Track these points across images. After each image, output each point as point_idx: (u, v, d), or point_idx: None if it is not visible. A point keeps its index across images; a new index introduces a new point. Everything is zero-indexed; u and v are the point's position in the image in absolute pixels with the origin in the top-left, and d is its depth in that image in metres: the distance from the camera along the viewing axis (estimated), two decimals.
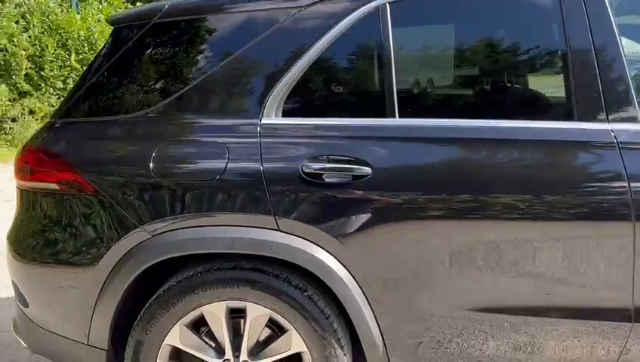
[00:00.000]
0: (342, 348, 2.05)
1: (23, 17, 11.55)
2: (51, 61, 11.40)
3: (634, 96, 1.96)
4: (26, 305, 2.30)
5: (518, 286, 1.98)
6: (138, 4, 16.26)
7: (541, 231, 1.95)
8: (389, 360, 2.08)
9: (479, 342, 2.04)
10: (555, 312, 1.99)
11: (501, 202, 1.95)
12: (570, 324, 1.99)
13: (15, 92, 11.05)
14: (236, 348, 2.09)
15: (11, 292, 2.44)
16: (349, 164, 1.98)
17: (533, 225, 1.95)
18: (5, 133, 10.84)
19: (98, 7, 13.00)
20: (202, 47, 2.25)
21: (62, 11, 12.19)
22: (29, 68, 11.18)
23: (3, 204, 5.65)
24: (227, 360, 2.09)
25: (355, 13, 2.08)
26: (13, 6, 11.61)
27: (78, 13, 12.66)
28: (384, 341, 2.05)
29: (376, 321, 2.04)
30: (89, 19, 12.15)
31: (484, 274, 1.97)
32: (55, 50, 11.48)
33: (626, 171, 1.89)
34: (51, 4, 12.00)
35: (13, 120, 10.88)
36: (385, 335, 2.05)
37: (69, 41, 11.77)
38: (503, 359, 2.05)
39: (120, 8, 13.83)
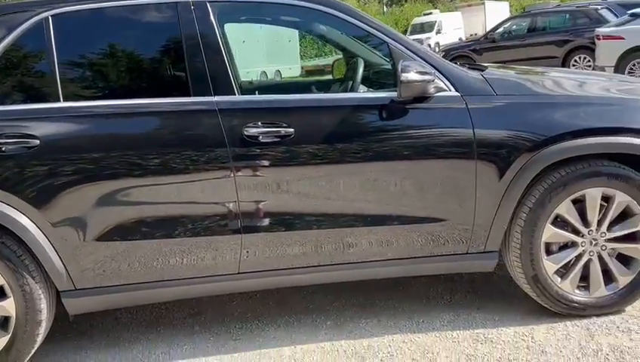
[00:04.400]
0: (34, 278, 2.70)
1: None
2: None
3: (231, 78, 2.78)
4: None
5: (171, 217, 2.75)
6: None
7: (183, 178, 2.70)
8: (73, 282, 2.77)
9: (133, 263, 2.78)
10: (183, 233, 2.77)
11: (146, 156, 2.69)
12: (199, 240, 2.78)
13: None
14: None
15: None
16: (21, 138, 2.63)
17: (177, 171, 2.69)
18: None
19: None
20: None
21: None
22: None
23: None
24: None
25: (25, 24, 2.73)
26: None
27: None
28: (67, 270, 2.74)
29: (59, 256, 2.71)
30: None
31: (139, 212, 2.72)
32: None
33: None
34: None
35: None
36: (67, 266, 2.73)
37: None
38: (151, 272, 2.81)
39: None
